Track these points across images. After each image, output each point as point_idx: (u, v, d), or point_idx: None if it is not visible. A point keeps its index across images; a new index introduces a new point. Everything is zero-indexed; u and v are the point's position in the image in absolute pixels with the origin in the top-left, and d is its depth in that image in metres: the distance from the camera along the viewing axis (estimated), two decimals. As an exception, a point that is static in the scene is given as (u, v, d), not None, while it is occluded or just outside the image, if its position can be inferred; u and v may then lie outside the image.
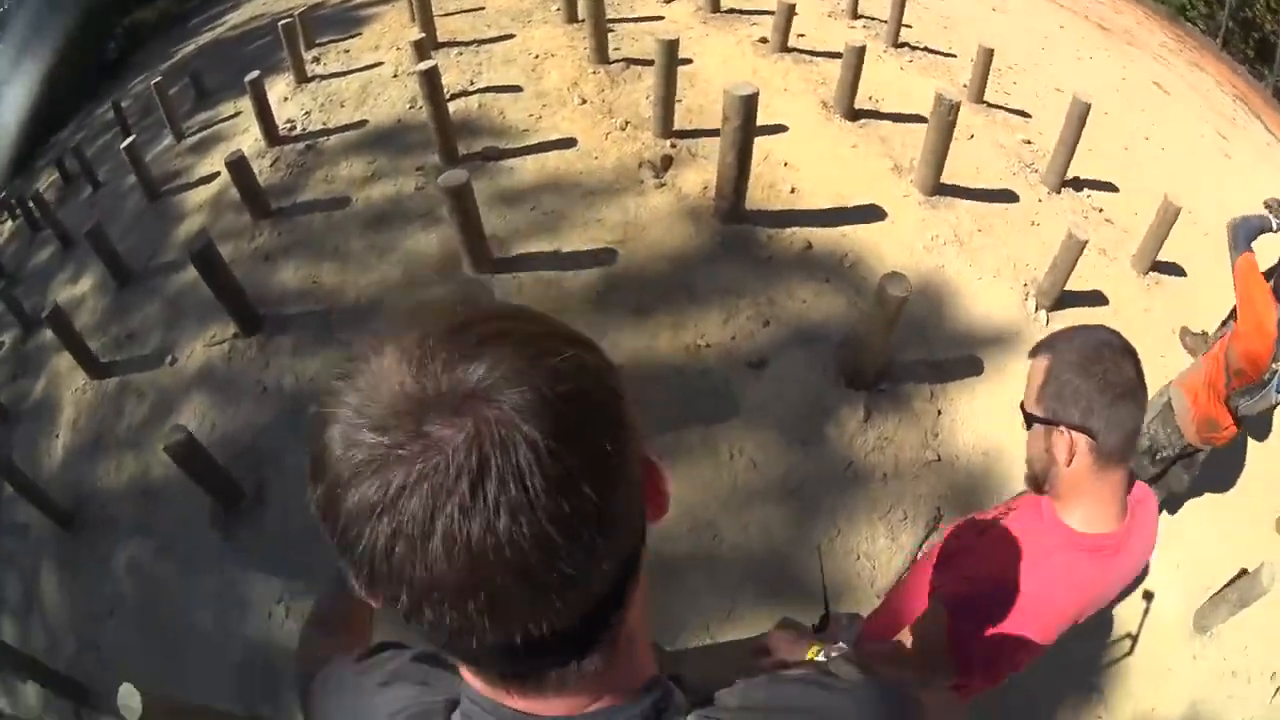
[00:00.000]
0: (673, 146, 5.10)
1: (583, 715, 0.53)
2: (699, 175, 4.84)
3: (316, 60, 6.96)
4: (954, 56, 6.85)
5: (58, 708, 4.09)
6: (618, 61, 5.99)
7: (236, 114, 6.87)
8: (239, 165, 4.98)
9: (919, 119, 5.10)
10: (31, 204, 8.21)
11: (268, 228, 5.11)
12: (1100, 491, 1.21)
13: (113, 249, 5.59)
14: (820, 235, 4.50)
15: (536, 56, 6.20)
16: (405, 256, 4.61)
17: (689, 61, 5.77)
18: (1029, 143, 5.77)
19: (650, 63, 5.11)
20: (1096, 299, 4.53)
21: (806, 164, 4.98)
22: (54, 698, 4.05)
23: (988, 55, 5.81)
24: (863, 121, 5.46)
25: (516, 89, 5.81)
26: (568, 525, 0.42)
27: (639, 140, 5.19)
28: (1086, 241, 4.07)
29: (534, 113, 5.53)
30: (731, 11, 6.84)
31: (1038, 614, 1.23)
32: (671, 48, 4.75)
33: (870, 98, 5.65)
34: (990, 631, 1.22)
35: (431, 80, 4.76)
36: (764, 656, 1.29)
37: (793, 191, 4.77)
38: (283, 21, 6.83)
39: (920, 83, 5.99)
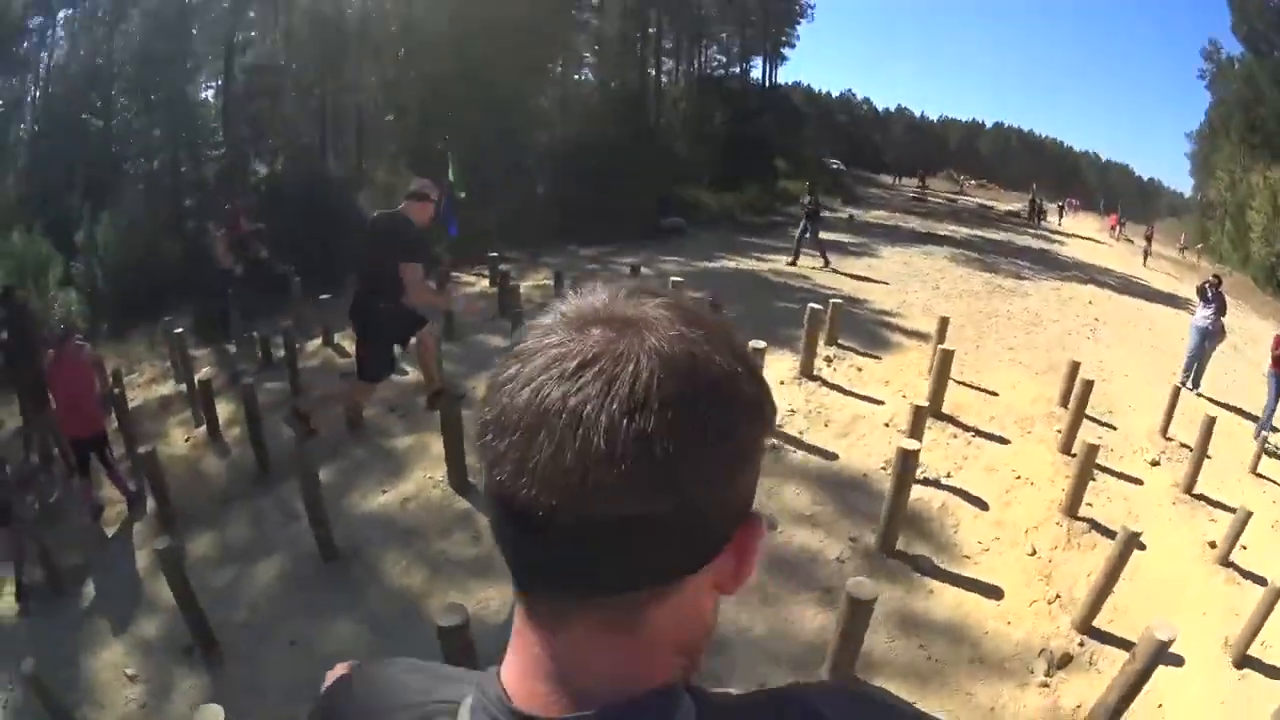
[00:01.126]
0: (1080, 645, 4.46)
1: (584, 716, 0.52)
2: (1083, 691, 4.14)
3: (828, 361, 7.48)
4: None
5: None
6: (1083, 520, 5.48)
7: None
8: None
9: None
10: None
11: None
12: None
13: None
14: None
15: (1018, 478, 5.93)
16: (780, 618, 4.61)
17: (1142, 546, 5.04)
18: None
19: (1111, 534, 4.90)
20: None
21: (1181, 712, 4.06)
22: None
23: None
24: (1244, 672, 4.45)
25: (982, 505, 5.58)
26: (627, 442, 0.46)
27: (1055, 623, 4.62)
28: None
29: (984, 542, 5.23)
30: (1200, 498, 6.04)
31: None
32: (1129, 543, 4.32)
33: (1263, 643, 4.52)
34: None
35: (906, 463, 4.81)
36: None
37: None
38: (814, 305, 7.14)
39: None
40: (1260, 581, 4.97)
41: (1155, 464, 6.55)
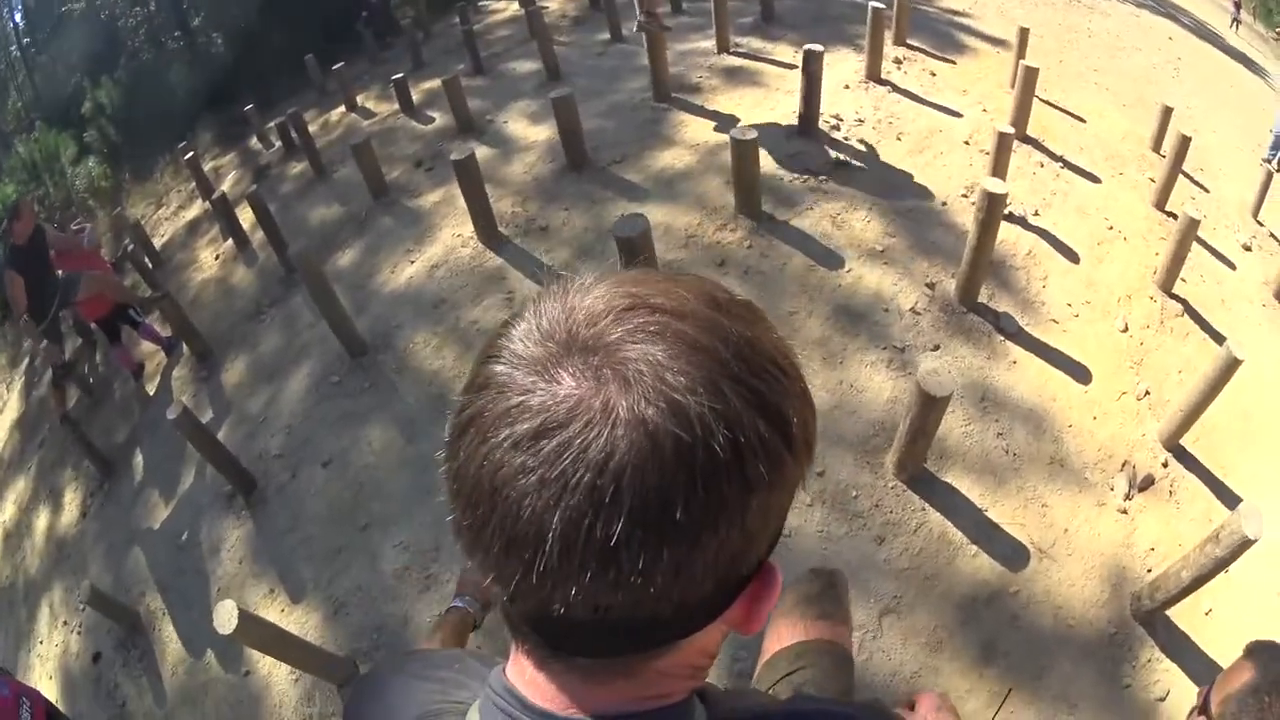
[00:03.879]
0: (1164, 466, 3.84)
1: (597, 715, 0.49)
2: (1159, 530, 3.61)
3: (898, 64, 6.05)
4: None
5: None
6: (1178, 299, 4.66)
7: (789, 64, 6.15)
8: (743, 147, 4.11)
9: None
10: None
11: (745, 228, 4.46)
12: None
13: (576, 127, 5.21)
14: None
15: (1111, 228, 4.96)
16: (844, 385, 3.80)
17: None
18: None
19: (1204, 324, 4.45)
20: None
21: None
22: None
23: None
24: None
25: (1074, 256, 4.64)
26: (588, 548, 0.40)
27: (1142, 428, 3.95)
28: None
29: (1073, 303, 4.37)
30: None
31: None
32: (1231, 367, 3.46)
33: None
34: None
35: (993, 209, 3.73)
36: (909, 709, 1.19)
37: (1208, 614, 3.40)
38: (876, 3, 5.83)
39: None
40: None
41: (1247, 249, 5.64)
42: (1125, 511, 3.67)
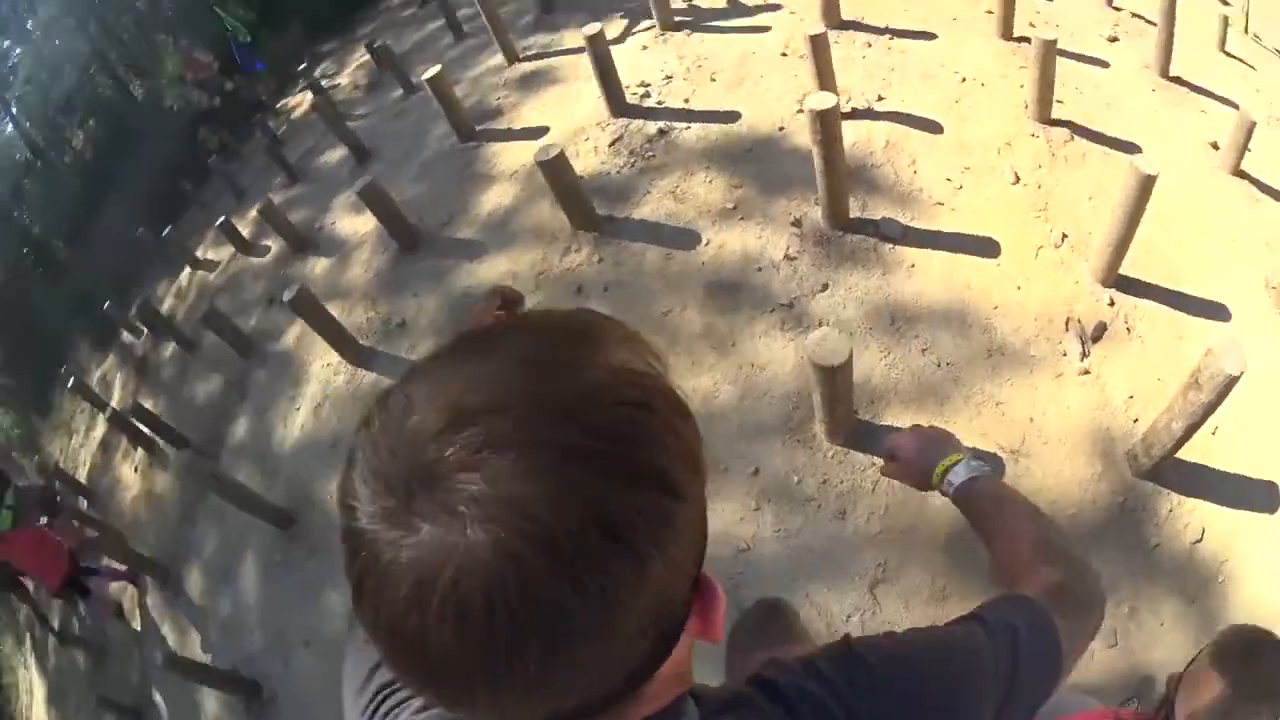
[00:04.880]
0: (1111, 305, 3.47)
1: None
2: (1130, 369, 3.27)
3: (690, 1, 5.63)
4: None
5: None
6: (1061, 124, 4.24)
7: (582, 48, 5.69)
8: (553, 166, 3.77)
9: None
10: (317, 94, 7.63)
11: (588, 244, 4.04)
12: None
13: (394, 211, 4.74)
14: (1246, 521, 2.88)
15: (963, 80, 4.54)
16: (744, 369, 3.40)
17: (1137, 148, 3.98)
18: None
19: (1097, 138, 4.00)
20: None
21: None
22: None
23: None
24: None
25: (935, 127, 4.23)
26: (501, 673, 0.41)
27: (1074, 274, 3.57)
28: None
29: (953, 177, 3.97)
30: (1178, 81, 4.75)
31: None
32: (1146, 186, 3.04)
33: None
34: None
35: (827, 125, 3.25)
36: (890, 461, 1.18)
37: (1214, 433, 3.00)
38: None
39: None
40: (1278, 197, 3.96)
41: (1114, 40, 5.24)
42: (1088, 372, 3.32)
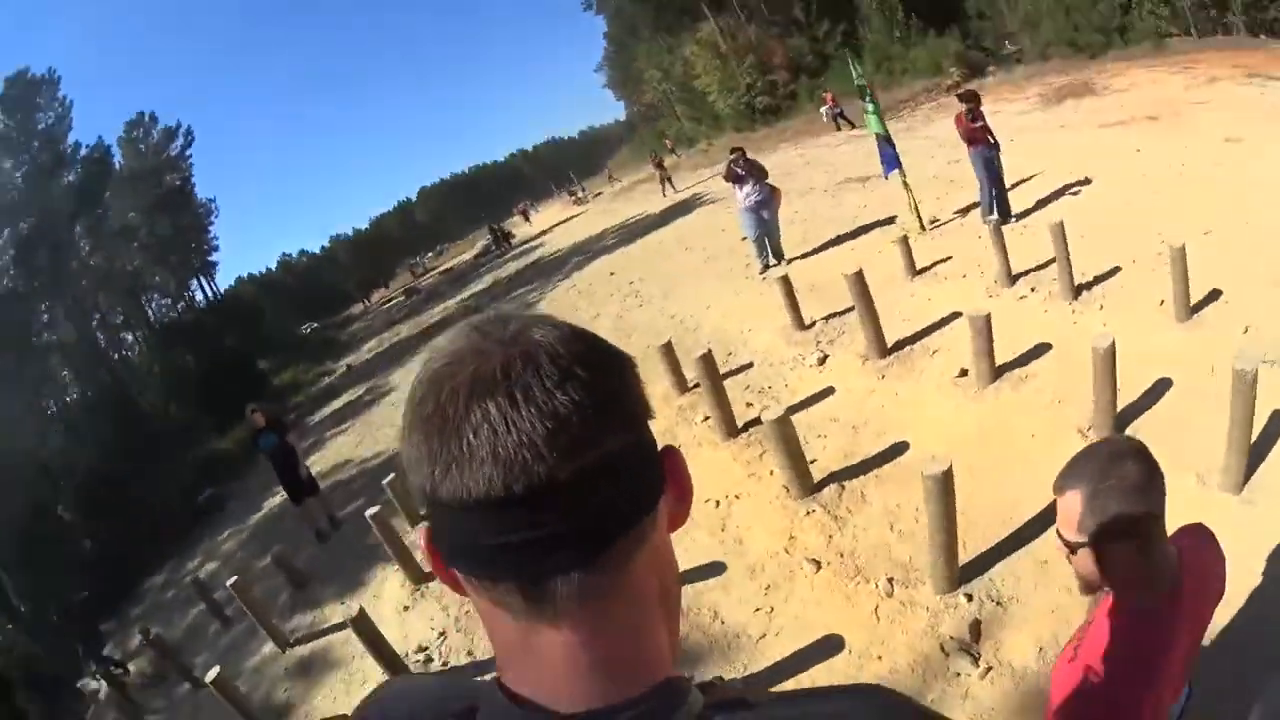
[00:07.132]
0: (968, 599, 3.26)
1: (588, 713, 0.49)
2: (1020, 631, 3.04)
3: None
4: None
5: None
6: (825, 483, 4.27)
7: (345, 624, 5.00)
8: None
9: None
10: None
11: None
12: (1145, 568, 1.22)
13: None
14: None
15: (716, 504, 4.49)
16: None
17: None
18: None
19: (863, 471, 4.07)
20: None
21: None
22: None
23: None
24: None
25: (716, 569, 4.02)
26: (582, 402, 0.47)
27: (919, 603, 3.34)
28: None
29: (759, 605, 3.70)
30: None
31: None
32: (945, 482, 3.05)
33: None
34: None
35: None
36: None
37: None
38: (389, 480, 5.51)
39: None
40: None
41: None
42: (990, 668, 2.96)
